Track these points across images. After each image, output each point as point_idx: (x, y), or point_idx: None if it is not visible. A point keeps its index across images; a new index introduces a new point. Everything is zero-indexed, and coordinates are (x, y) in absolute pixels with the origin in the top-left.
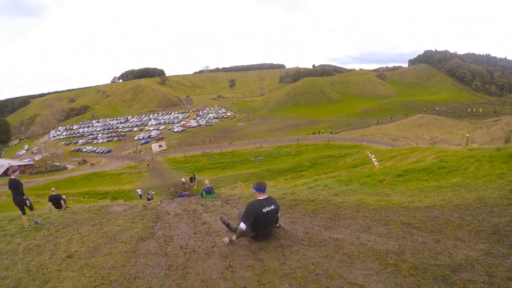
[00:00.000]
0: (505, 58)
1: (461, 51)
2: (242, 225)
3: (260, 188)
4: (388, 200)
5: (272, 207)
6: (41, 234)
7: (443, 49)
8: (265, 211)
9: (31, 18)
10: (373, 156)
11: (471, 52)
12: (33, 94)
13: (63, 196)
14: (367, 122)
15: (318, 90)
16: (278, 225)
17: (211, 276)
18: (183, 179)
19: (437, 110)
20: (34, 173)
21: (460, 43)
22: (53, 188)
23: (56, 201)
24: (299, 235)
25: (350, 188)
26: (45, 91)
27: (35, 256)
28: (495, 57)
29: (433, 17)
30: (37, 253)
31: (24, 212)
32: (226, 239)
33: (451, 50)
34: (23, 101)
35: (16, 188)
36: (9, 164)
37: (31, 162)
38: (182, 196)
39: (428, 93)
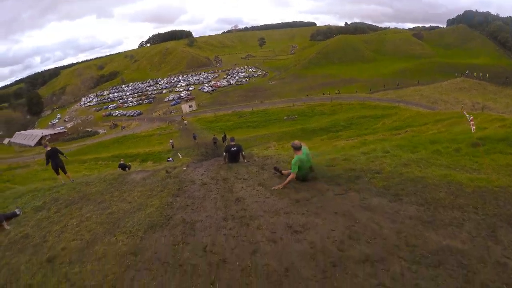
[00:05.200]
0: None
1: (503, 13)
2: (224, 154)
3: (233, 141)
4: (487, 180)
5: (235, 148)
6: (38, 217)
7: (484, 10)
8: (231, 149)
9: None
10: (471, 118)
11: None
12: (62, 65)
13: (129, 164)
14: (405, 83)
15: (351, 48)
16: (246, 161)
17: None
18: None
19: (467, 74)
20: (67, 140)
21: (503, 5)
22: (122, 159)
23: (123, 168)
24: (389, 237)
25: (420, 157)
26: (74, 61)
27: (14, 255)
28: None
29: None
30: (19, 249)
31: (58, 174)
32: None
33: (493, 12)
34: (53, 73)
35: (55, 154)
36: (42, 133)
37: (64, 130)
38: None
39: (468, 56)
